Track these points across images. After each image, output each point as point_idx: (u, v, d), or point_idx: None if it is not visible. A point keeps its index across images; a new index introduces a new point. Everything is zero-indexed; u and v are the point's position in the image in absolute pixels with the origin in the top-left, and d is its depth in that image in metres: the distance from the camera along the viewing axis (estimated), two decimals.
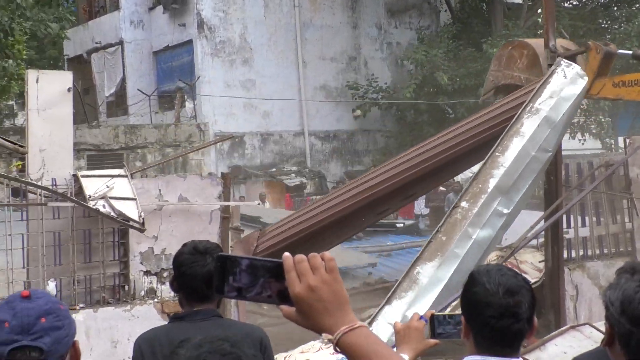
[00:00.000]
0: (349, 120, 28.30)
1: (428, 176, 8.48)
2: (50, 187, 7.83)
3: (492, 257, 9.41)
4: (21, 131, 18.23)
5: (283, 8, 27.46)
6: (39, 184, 7.78)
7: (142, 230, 7.92)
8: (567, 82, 7.72)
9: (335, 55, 28.47)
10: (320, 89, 28.08)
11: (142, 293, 8.38)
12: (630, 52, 9.57)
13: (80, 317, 7.72)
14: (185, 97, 26.28)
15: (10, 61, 18.12)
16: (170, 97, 27.39)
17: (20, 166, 10.22)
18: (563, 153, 9.22)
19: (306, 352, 6.66)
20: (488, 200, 7.11)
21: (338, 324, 1.76)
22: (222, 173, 9.16)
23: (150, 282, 8.45)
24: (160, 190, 8.45)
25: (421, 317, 2.91)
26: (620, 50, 9.02)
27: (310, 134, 27.80)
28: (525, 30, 24.98)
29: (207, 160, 24.88)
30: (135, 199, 7.95)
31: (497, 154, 7.34)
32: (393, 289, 6.74)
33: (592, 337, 7.25)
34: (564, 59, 7.96)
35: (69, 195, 7.85)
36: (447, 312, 3.87)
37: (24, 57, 19.56)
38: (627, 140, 11.10)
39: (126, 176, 8.23)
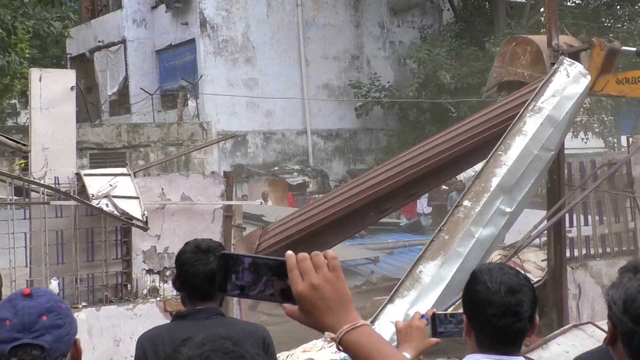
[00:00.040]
0: (352, 119, 28.29)
1: (430, 175, 8.48)
2: (53, 186, 7.84)
3: (495, 256, 9.40)
4: (24, 130, 18.24)
5: (285, 7, 27.45)
6: (42, 182, 7.78)
7: (145, 229, 7.92)
8: (569, 81, 7.71)
9: (337, 54, 28.46)
10: (323, 88, 28.07)
11: (145, 292, 8.38)
12: (634, 49, 9.56)
13: (83, 316, 7.73)
14: (188, 95, 26.28)
15: (13, 55, 18.10)
16: (172, 96, 27.38)
17: (23, 165, 10.23)
18: (566, 152, 9.22)
19: (308, 351, 6.66)
20: (491, 199, 7.11)
21: (341, 322, 1.76)
22: (224, 172, 9.16)
23: (153, 281, 8.45)
24: (162, 188, 8.46)
25: (422, 316, 2.91)
26: (624, 47, 9.02)
27: (313, 132, 27.79)
28: (528, 29, 24.93)
29: (210, 159, 24.88)
30: (138, 198, 7.95)
31: (499, 152, 7.34)
32: (396, 287, 6.74)
33: (594, 336, 7.24)
34: (566, 58, 7.95)
35: (71, 194, 7.86)
36: (448, 311, 3.87)
37: (27, 55, 19.57)
38: (630, 139, 11.08)
39: (129, 175, 8.23)
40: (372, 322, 6.23)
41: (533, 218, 9.69)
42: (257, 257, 1.78)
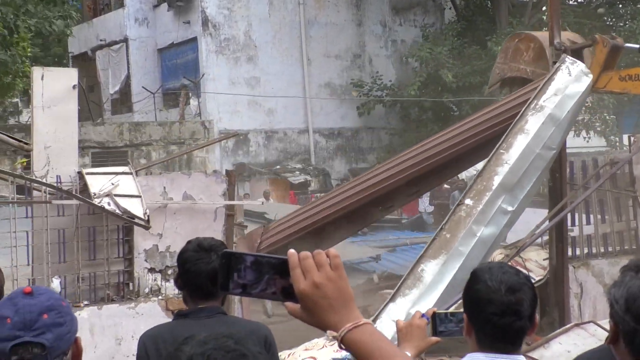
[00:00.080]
0: (354, 118, 28.30)
1: (432, 173, 8.48)
2: (55, 185, 7.84)
3: (497, 255, 9.39)
4: (26, 128, 18.24)
5: (287, 5, 27.45)
6: (44, 181, 7.78)
7: (146, 228, 7.92)
8: (571, 80, 7.70)
9: (339, 53, 28.47)
10: (325, 87, 28.08)
11: (147, 290, 8.38)
12: (638, 45, 9.55)
13: (85, 315, 7.73)
14: (190, 94, 26.29)
15: (15, 51, 18.09)
16: (174, 95, 27.41)
17: (25, 163, 10.23)
18: (567, 151, 9.21)
19: (310, 350, 6.66)
20: (492, 198, 7.10)
21: (343, 321, 1.76)
22: (226, 170, 9.15)
23: (155, 280, 8.45)
24: (164, 187, 8.46)
25: (423, 315, 2.91)
26: (627, 44, 9.00)
27: (315, 131, 27.80)
28: (530, 28, 24.89)
29: (212, 157, 24.89)
30: (140, 197, 7.95)
31: (501, 151, 7.33)
32: (397, 286, 6.74)
33: (596, 335, 7.24)
34: (568, 56, 7.94)
35: (73, 193, 7.86)
36: (449, 310, 3.87)
37: (29, 54, 19.57)
38: (632, 138, 11.07)
39: (131, 173, 8.22)
40: (374, 321, 6.23)
41: (534, 217, 9.68)
42: (259, 255, 1.78)
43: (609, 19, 28.86)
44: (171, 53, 27.86)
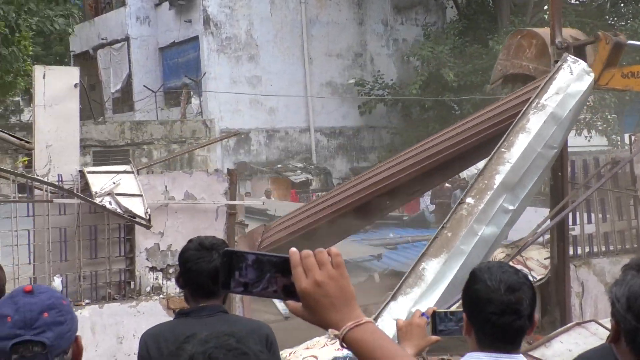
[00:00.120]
0: (355, 117, 28.29)
1: (433, 172, 8.48)
2: (57, 183, 7.84)
3: (498, 254, 9.39)
4: (27, 127, 18.26)
5: (289, 4, 27.45)
6: (45, 180, 7.78)
7: (148, 227, 7.92)
8: (573, 79, 7.70)
9: (341, 52, 28.46)
10: (326, 86, 28.07)
11: (148, 289, 8.39)
12: None
13: (86, 313, 7.74)
14: (191, 93, 26.29)
15: (15, 49, 18.07)
16: (176, 94, 27.41)
17: (27, 162, 10.24)
18: (569, 150, 9.20)
19: (311, 348, 6.66)
20: (494, 197, 7.10)
21: (344, 319, 1.76)
22: (228, 169, 9.15)
23: (156, 278, 8.45)
24: (166, 186, 8.46)
25: (423, 314, 2.91)
26: (630, 41, 8.99)
27: (316, 130, 27.80)
28: (532, 27, 24.85)
29: (213, 156, 24.89)
30: (141, 195, 7.96)
31: (503, 150, 7.33)
32: (399, 285, 6.74)
33: (597, 334, 7.24)
34: (570, 55, 7.94)
35: (75, 192, 7.86)
36: (450, 309, 3.87)
37: (31, 53, 19.57)
38: (633, 137, 11.06)
39: (132, 172, 8.23)
40: (376, 320, 6.23)
41: (536, 216, 9.68)
42: (260, 254, 1.78)
43: (611, 18, 28.84)
44: (172, 52, 27.86)
